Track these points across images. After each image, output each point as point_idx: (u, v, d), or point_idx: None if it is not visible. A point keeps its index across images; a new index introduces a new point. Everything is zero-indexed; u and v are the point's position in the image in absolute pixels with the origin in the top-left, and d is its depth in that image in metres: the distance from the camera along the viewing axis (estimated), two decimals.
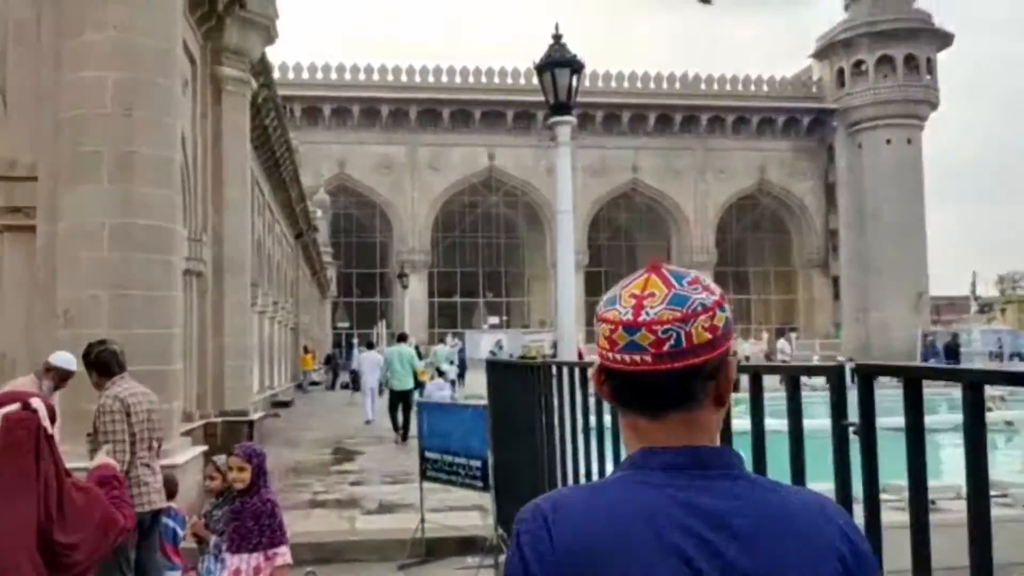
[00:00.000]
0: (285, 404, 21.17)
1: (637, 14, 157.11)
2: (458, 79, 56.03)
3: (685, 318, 1.08)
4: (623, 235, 58.73)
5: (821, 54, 59.37)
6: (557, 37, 5.94)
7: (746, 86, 58.92)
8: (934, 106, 56.73)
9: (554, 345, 22.93)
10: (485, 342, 40.46)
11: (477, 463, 6.24)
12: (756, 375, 2.58)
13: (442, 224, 55.83)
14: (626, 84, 57.78)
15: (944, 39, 56.77)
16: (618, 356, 1.11)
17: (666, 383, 1.09)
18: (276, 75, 50.81)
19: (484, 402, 6.50)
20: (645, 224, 59.28)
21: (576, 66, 5.98)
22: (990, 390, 29.04)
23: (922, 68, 55.66)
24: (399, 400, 14.61)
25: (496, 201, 56.23)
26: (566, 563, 1.04)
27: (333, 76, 54.82)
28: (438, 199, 54.98)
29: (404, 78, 55.38)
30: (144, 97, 6.69)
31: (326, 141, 52.88)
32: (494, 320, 53.77)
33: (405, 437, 13.94)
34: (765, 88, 59.26)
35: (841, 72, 57.59)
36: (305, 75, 54.36)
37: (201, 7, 10.55)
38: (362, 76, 54.96)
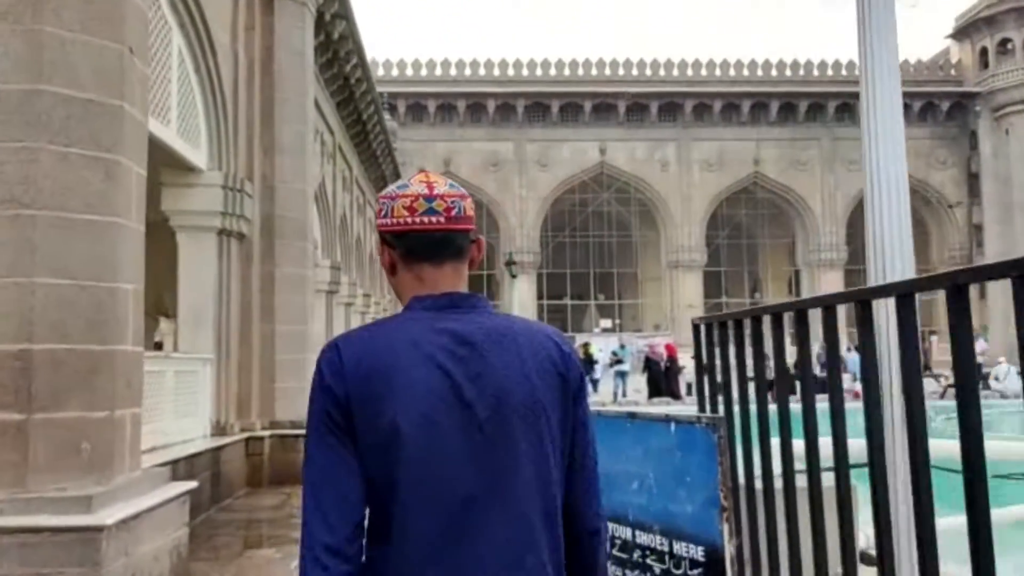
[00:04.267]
0: None
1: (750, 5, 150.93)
2: (567, 71, 53.86)
3: (461, 196, 1.53)
4: (743, 232, 54.54)
5: (961, 34, 54.47)
6: None
7: None
8: None
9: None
10: (599, 345, 37.16)
11: (697, 552, 2.67)
12: None
13: (551, 223, 53.17)
14: (745, 71, 54.03)
15: None
16: (418, 219, 1.49)
17: (450, 239, 1.51)
18: (380, 72, 49.55)
19: (709, 414, 2.91)
20: (767, 220, 54.91)
21: None
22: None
23: None
24: None
25: (607, 198, 53.10)
26: (351, 374, 1.39)
27: (438, 72, 53.39)
28: (547, 197, 52.35)
29: (511, 71, 53.59)
30: None
31: (431, 139, 51.39)
32: (606, 323, 50.49)
33: None
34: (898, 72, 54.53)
35: (984, 52, 52.87)
36: (409, 71, 53.14)
37: None
38: (468, 71, 53.36)
